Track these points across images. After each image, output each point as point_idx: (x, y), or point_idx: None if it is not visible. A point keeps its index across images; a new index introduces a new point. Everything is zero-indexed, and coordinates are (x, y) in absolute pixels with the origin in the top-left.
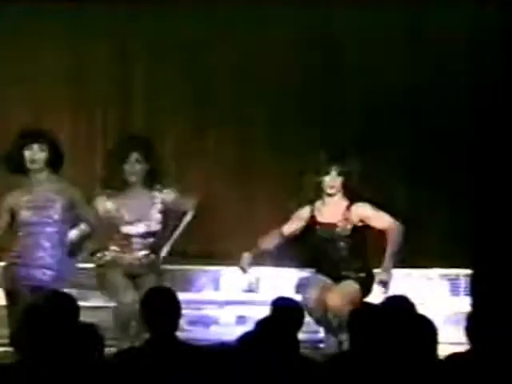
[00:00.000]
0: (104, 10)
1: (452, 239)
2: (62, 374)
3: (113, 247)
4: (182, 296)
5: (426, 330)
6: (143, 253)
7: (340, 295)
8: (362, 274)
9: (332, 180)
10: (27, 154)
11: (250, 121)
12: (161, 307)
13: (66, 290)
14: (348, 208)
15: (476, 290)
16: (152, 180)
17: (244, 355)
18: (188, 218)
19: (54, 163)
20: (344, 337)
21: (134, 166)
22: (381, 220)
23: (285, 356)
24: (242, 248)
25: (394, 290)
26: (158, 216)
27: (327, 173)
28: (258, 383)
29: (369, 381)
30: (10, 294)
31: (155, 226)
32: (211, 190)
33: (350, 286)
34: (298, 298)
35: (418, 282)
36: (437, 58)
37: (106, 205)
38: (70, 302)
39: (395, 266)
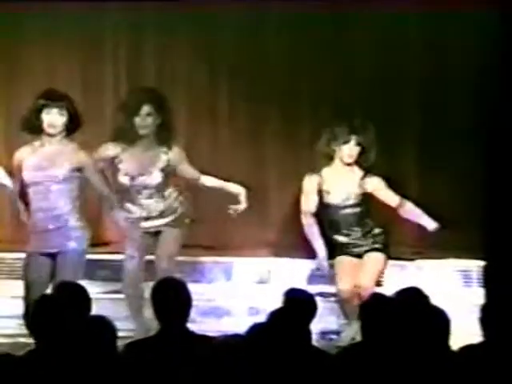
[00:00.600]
0: None
1: (465, 231)
2: (73, 365)
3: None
4: (193, 287)
5: (439, 320)
6: (148, 202)
7: (371, 275)
8: (381, 238)
9: (350, 149)
10: (46, 117)
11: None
12: (171, 298)
13: (78, 281)
14: (363, 178)
15: (489, 281)
16: (163, 134)
17: (255, 346)
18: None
19: (70, 128)
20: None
21: (146, 120)
22: (392, 197)
23: (296, 347)
24: (254, 239)
25: (407, 281)
26: (159, 173)
27: (346, 142)
28: (269, 375)
29: (381, 373)
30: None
31: (155, 181)
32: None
33: (377, 260)
34: (311, 289)
35: (431, 274)
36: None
37: (111, 152)
38: (82, 292)
39: (408, 259)
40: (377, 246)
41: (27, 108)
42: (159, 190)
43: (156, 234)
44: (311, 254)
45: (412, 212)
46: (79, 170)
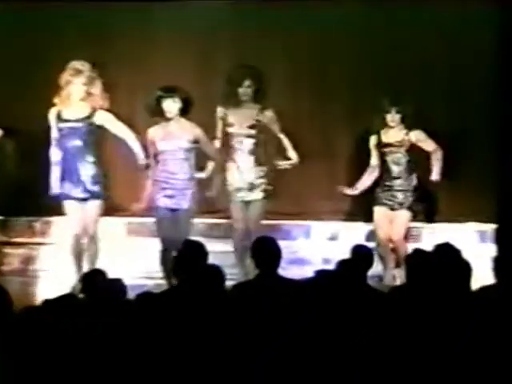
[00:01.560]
0: None
1: (482, 202)
2: (195, 300)
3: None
4: (282, 243)
5: (464, 268)
6: (251, 161)
7: (401, 230)
8: (411, 198)
9: (392, 116)
10: (164, 105)
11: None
12: (267, 251)
13: (197, 239)
14: (407, 133)
15: (500, 239)
16: (257, 98)
17: (327, 287)
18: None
19: (184, 110)
20: (398, 272)
21: (247, 90)
22: (430, 144)
23: (358, 286)
24: (326, 208)
25: (438, 239)
26: (254, 126)
27: (388, 111)
28: (337, 305)
29: (420, 305)
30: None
31: (252, 131)
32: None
33: (406, 218)
34: (369, 245)
35: (456, 234)
36: None
37: (223, 114)
38: (201, 247)
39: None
40: (407, 204)
41: (149, 97)
42: (253, 151)
43: (246, 202)
44: (369, 219)
45: (439, 161)
46: (196, 141)
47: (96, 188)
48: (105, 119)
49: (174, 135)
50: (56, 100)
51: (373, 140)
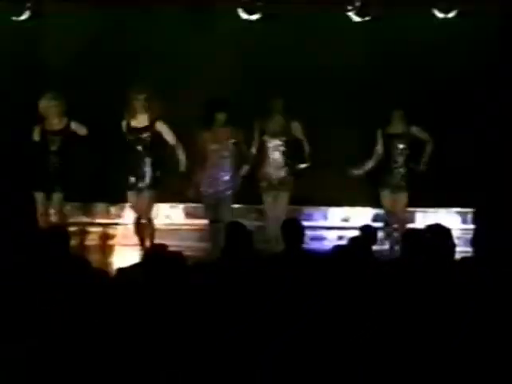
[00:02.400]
0: None
1: (464, 192)
2: (238, 265)
3: (264, 168)
4: (306, 223)
5: (450, 242)
6: (281, 161)
7: (403, 208)
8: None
9: (394, 123)
10: (217, 116)
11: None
12: (294, 230)
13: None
14: (408, 127)
15: (477, 221)
16: (286, 112)
17: (340, 257)
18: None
19: (229, 119)
20: (399, 247)
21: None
22: (426, 136)
23: (365, 257)
24: (340, 195)
25: (428, 220)
26: (283, 134)
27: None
28: (349, 270)
29: (414, 271)
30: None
31: (283, 139)
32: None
33: (405, 197)
34: (375, 225)
35: (443, 216)
36: None
37: (261, 125)
38: (243, 227)
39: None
40: (405, 187)
41: (203, 110)
42: (284, 153)
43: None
44: (374, 205)
45: (428, 152)
46: (236, 143)
47: (152, 180)
48: (161, 129)
49: (222, 137)
50: (125, 114)
51: (379, 132)
